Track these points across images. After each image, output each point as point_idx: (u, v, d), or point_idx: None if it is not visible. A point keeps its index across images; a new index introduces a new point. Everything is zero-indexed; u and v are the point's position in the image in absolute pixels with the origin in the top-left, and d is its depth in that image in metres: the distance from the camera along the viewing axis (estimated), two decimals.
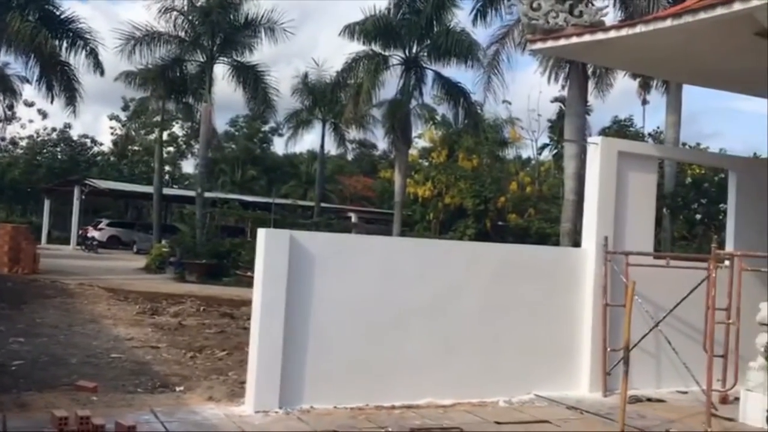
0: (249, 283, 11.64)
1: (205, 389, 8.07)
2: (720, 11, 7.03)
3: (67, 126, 54.80)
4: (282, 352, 7.21)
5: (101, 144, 59.76)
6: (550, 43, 9.04)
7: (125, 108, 55.78)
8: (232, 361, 10.16)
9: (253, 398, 7.12)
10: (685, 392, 8.98)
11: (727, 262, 8.44)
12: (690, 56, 9.26)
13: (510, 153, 43.40)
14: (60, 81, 27.30)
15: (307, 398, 7.35)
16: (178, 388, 8.24)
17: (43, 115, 54.46)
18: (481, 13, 21.87)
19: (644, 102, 33.96)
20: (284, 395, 7.20)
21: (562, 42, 8.86)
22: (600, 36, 8.50)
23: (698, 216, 21.49)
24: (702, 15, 7.20)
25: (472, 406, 7.85)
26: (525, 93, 79.44)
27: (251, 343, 7.39)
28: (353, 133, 43.38)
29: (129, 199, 53.28)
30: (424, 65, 29.06)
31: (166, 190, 43.49)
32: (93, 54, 27.72)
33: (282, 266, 7.24)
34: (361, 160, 62.54)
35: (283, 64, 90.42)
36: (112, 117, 59.23)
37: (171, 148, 56.44)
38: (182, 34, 30.60)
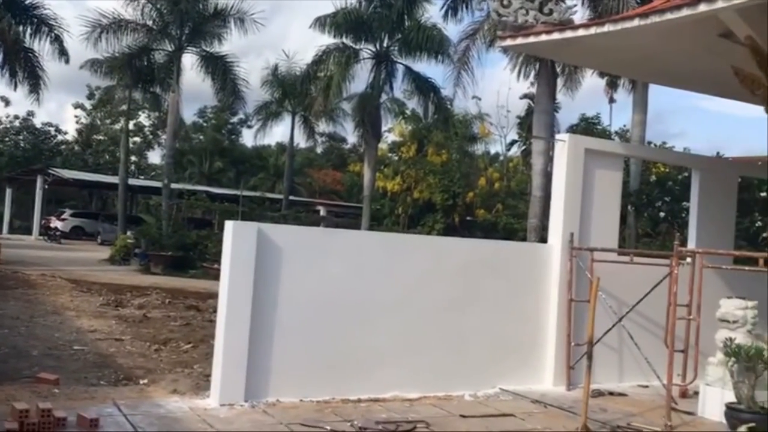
0: (215, 275, 11.56)
1: (170, 382, 8.00)
2: (686, 12, 7.15)
3: (30, 114, 53.83)
4: (248, 345, 7.17)
5: (65, 133, 58.75)
6: (519, 41, 9.12)
7: (90, 96, 54.84)
8: (197, 353, 10.08)
9: (219, 391, 7.08)
10: (647, 386, 9.14)
11: (689, 260, 8.61)
12: (657, 56, 9.40)
13: (479, 149, 43.70)
14: (23, 68, 26.78)
15: (273, 391, 7.32)
16: (142, 381, 8.15)
17: (6, 102, 53.29)
18: (452, 9, 21.97)
19: (611, 100, 34.37)
20: (250, 388, 7.17)
21: (532, 39, 8.93)
22: (569, 34, 8.59)
23: (662, 214, 21.78)
24: (668, 15, 7.31)
25: (437, 400, 7.90)
26: (494, 89, 79.73)
27: (217, 335, 7.34)
28: (323, 126, 43.39)
29: (93, 189, 52.42)
30: (395, 59, 29.10)
31: (132, 181, 42.91)
32: (58, 41, 27.25)
33: (249, 259, 7.19)
34: (331, 153, 62.39)
35: (253, 55, 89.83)
36: (77, 105, 58.21)
37: (137, 138, 55.66)
38: (150, 22, 30.20)
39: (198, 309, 14.94)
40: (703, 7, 6.97)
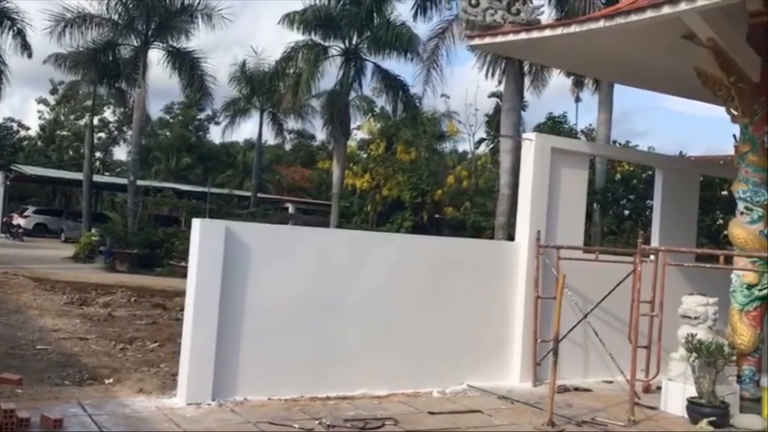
0: (183, 273, 11.45)
1: (136, 381, 7.91)
2: (649, 14, 7.27)
3: None
4: (216, 343, 7.12)
5: (28, 128, 57.65)
6: (487, 40, 9.19)
7: (54, 92, 53.81)
8: (164, 352, 9.99)
9: (186, 390, 7.02)
10: (611, 382, 9.29)
11: (652, 257, 8.77)
12: (622, 57, 9.55)
13: (447, 147, 43.87)
14: None
15: (241, 390, 7.29)
16: (107, 381, 8.06)
17: None
18: (421, 8, 22.03)
19: (577, 99, 34.70)
20: (217, 387, 7.13)
21: (500, 39, 9.01)
22: (536, 34, 8.68)
23: (627, 211, 22.11)
24: (633, 17, 7.43)
25: (406, 397, 7.94)
26: (463, 87, 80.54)
27: (184, 334, 7.28)
28: (292, 123, 43.14)
29: (57, 185, 51.52)
30: (364, 57, 29.05)
31: (97, 178, 42.25)
32: (20, 35, 26.72)
33: (217, 257, 7.15)
34: (300, 150, 62.11)
35: (222, 50, 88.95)
36: (40, 101, 57.13)
37: (102, 134, 54.83)
38: (115, 17, 29.68)
39: (164, 307, 14.79)
40: (666, 10, 7.10)
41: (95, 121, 43.21)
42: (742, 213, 8.19)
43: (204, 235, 7.18)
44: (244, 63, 37.67)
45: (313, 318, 7.77)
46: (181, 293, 9.31)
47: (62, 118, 56.25)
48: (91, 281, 19.13)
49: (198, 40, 31.49)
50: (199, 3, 29.42)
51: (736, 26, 8.05)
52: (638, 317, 7.88)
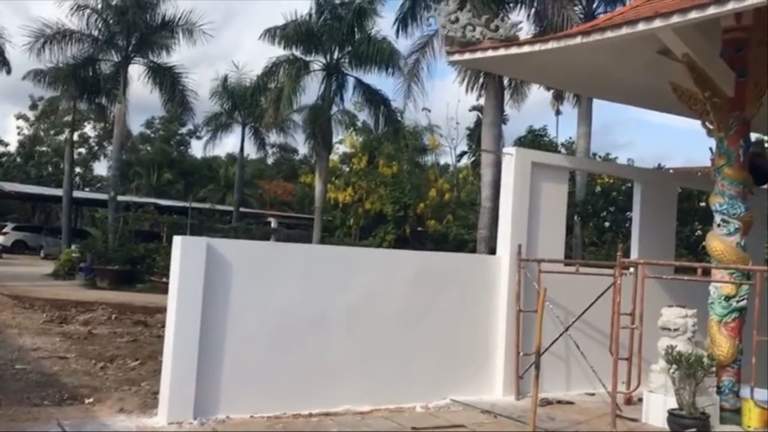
0: (164, 289, 11.37)
1: (116, 401, 7.84)
2: (625, 30, 7.38)
3: None
4: (197, 361, 7.08)
5: (7, 144, 57.14)
6: (467, 56, 9.26)
7: (33, 107, 53.47)
8: (145, 370, 9.90)
9: (167, 409, 6.97)
10: (593, 394, 9.34)
11: (632, 270, 8.85)
12: (599, 72, 9.67)
13: (429, 160, 44.01)
14: None
15: (224, 408, 7.25)
16: (87, 400, 7.96)
17: None
18: (402, 24, 22.14)
19: (557, 113, 35.04)
20: (199, 405, 7.08)
21: (479, 55, 9.08)
22: (514, 50, 8.77)
23: (607, 223, 22.33)
24: (609, 33, 7.54)
25: (389, 412, 7.93)
26: (444, 101, 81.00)
27: (165, 352, 7.23)
28: (274, 137, 43.07)
29: (36, 202, 51.03)
30: (346, 71, 29.16)
31: (77, 193, 41.89)
32: None
33: (198, 274, 7.12)
34: (282, 164, 62.05)
35: (205, 65, 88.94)
36: (20, 116, 56.66)
37: (82, 150, 54.46)
38: (96, 32, 29.59)
39: (146, 324, 14.68)
40: (641, 26, 7.21)
41: (75, 136, 42.88)
42: (719, 225, 8.30)
43: (185, 253, 7.15)
44: (225, 78, 37.67)
45: (296, 334, 7.75)
46: (163, 309, 9.25)
47: (42, 133, 55.83)
48: (71, 298, 18.92)
49: (182, 54, 31.44)
50: (179, 19, 29.44)
51: (710, 42, 8.19)
52: (619, 330, 7.94)
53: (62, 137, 49.68)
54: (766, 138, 15.42)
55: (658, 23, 7.08)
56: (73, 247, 30.31)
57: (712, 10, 6.65)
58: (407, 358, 8.48)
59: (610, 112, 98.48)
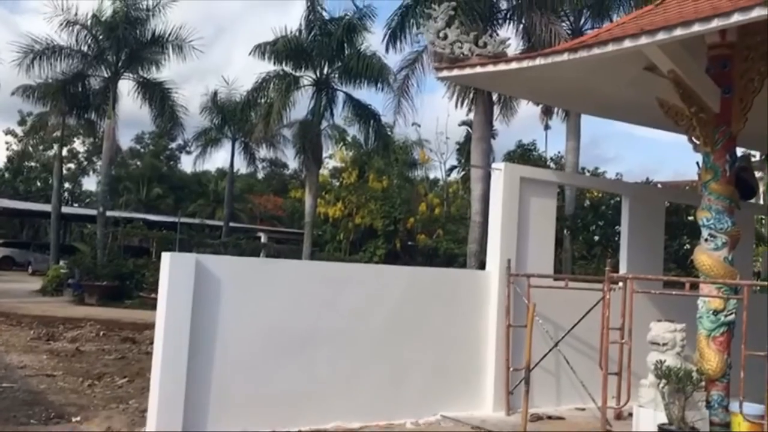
0: (153, 305, 11.30)
1: (104, 419, 7.77)
2: (612, 47, 7.45)
3: None
4: (186, 378, 7.04)
5: None
6: (455, 72, 9.31)
7: (22, 123, 53.24)
8: (133, 388, 9.82)
9: (155, 427, 6.91)
10: (583, 409, 9.33)
11: (620, 284, 8.88)
12: (586, 88, 9.75)
13: (419, 174, 44.14)
14: None
15: (212, 425, 7.20)
16: (74, 419, 7.89)
17: None
18: (392, 39, 22.25)
19: (546, 127, 35.24)
20: (188, 423, 7.02)
21: (467, 71, 9.14)
22: (502, 66, 8.83)
23: (596, 237, 22.43)
24: (596, 50, 7.60)
25: (379, 429, 7.90)
26: (434, 116, 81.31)
27: (153, 369, 7.18)
28: (264, 152, 43.06)
29: (25, 217, 50.73)
30: (335, 87, 29.22)
31: (66, 209, 41.73)
32: None
33: (187, 291, 7.09)
34: (272, 178, 62.03)
35: (195, 80, 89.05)
36: (8, 132, 56.46)
37: (71, 165, 54.27)
38: (85, 48, 29.57)
39: (134, 341, 14.57)
40: (627, 43, 7.28)
41: (64, 151, 42.75)
42: (706, 240, 8.34)
43: (174, 269, 7.13)
44: (215, 93, 37.72)
45: (286, 351, 7.72)
46: (151, 326, 9.18)
47: (30, 149, 55.63)
48: (59, 315, 18.79)
49: (172, 69, 31.55)
50: (169, 34, 29.47)
51: (696, 58, 8.28)
52: (608, 344, 7.96)
53: (51, 152, 49.53)
54: (751, 152, 15.56)
55: (644, 40, 7.15)
56: (61, 262, 30.13)
57: (696, 28, 6.73)
58: (397, 374, 8.46)
59: (599, 126, 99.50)
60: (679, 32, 6.86)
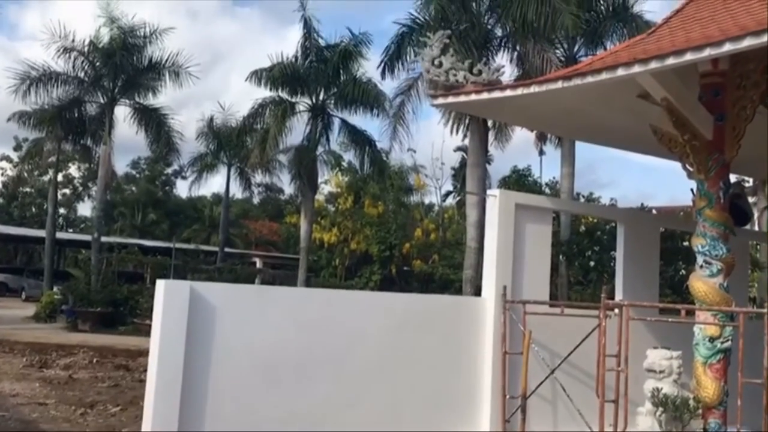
0: (147, 331, 11.26)
1: None
2: (605, 75, 7.51)
3: None
4: (180, 407, 6.95)
5: None
6: (450, 99, 9.38)
7: (18, 148, 53.28)
8: (126, 417, 9.74)
9: None
10: None
11: (616, 311, 8.86)
12: (580, 115, 9.81)
13: (415, 200, 44.19)
14: None
15: None
16: None
17: None
18: (388, 66, 22.45)
19: (541, 153, 35.40)
20: None
21: (462, 98, 9.19)
22: (497, 94, 8.87)
23: (592, 263, 22.45)
24: (590, 78, 7.66)
25: None
26: (429, 141, 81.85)
27: (147, 397, 7.10)
28: (259, 177, 43.14)
29: (19, 243, 50.55)
30: (331, 112, 29.41)
31: (60, 234, 41.60)
32: None
33: (181, 319, 7.04)
34: (267, 204, 62.02)
35: (193, 105, 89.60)
36: (3, 157, 56.49)
37: (66, 190, 54.22)
38: (82, 74, 29.74)
39: (127, 368, 14.48)
40: (621, 72, 7.34)
41: (60, 177, 42.76)
42: (701, 266, 8.35)
43: (168, 297, 7.08)
44: (211, 119, 37.89)
45: (280, 378, 7.65)
46: (145, 353, 9.13)
47: (26, 174, 55.60)
48: (52, 342, 18.67)
49: (169, 95, 31.74)
50: (166, 61, 29.68)
51: (688, 86, 8.35)
52: (604, 372, 7.92)
53: (46, 178, 49.50)
54: (744, 178, 15.66)
55: (637, 69, 7.21)
56: (55, 289, 30.00)
57: (689, 57, 6.79)
58: (392, 401, 8.38)
59: (594, 151, 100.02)
60: (671, 61, 6.92)
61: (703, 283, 8.27)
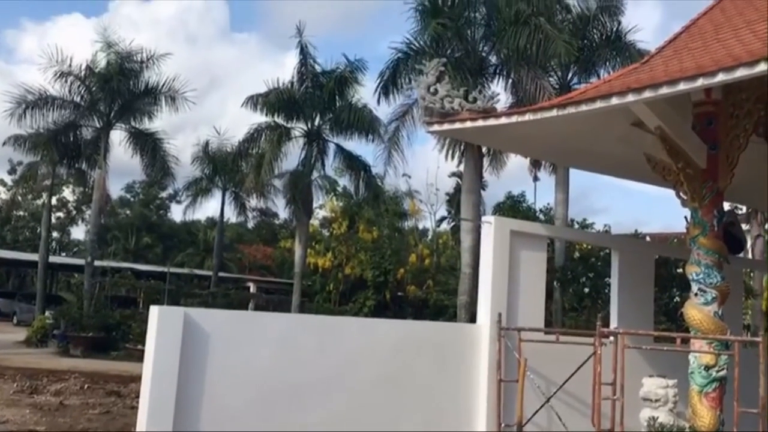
0: (139, 356, 11.16)
1: None
2: (599, 104, 7.57)
3: None
4: None
5: None
6: (446, 126, 9.42)
7: (12, 172, 53.25)
8: None
9: None
10: None
11: (612, 339, 8.84)
12: (574, 143, 9.87)
13: (409, 225, 44.20)
14: None
15: None
16: None
17: None
18: (383, 91, 22.59)
19: (535, 179, 35.51)
20: None
21: (457, 125, 9.24)
22: (492, 121, 8.93)
23: (586, 289, 22.45)
24: (584, 107, 7.72)
25: None
26: (424, 166, 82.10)
27: (138, 426, 7.02)
28: (254, 202, 43.08)
29: (11, 267, 50.25)
30: (327, 138, 29.48)
31: (53, 258, 41.35)
32: None
33: (175, 345, 6.99)
34: (262, 228, 61.89)
35: (189, 129, 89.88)
36: None
37: (60, 214, 54.06)
38: (78, 99, 29.80)
39: (119, 395, 14.33)
40: (615, 100, 7.40)
41: (53, 200, 42.65)
42: (696, 294, 8.35)
43: (162, 323, 7.03)
44: (207, 143, 37.93)
45: (274, 405, 7.58)
46: (137, 379, 9.04)
47: (19, 198, 55.44)
48: (43, 367, 18.48)
49: (165, 119, 31.73)
50: (163, 86, 29.79)
51: (682, 115, 8.43)
52: (600, 400, 7.88)
53: (40, 201, 49.37)
54: (738, 206, 15.73)
55: (630, 98, 7.27)
56: (47, 313, 29.77)
57: (682, 86, 6.86)
58: (387, 429, 8.30)
59: (588, 177, 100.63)
60: (665, 90, 6.99)
61: (697, 311, 8.27)
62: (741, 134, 8.28)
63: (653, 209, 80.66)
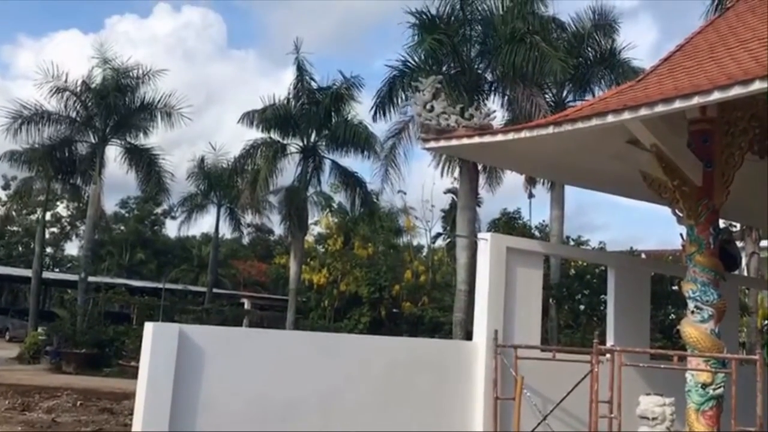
0: (133, 373, 11.08)
1: None
2: (595, 122, 7.59)
3: None
4: None
5: None
6: (442, 143, 9.43)
7: (6, 187, 53.05)
8: None
9: None
10: None
11: (608, 356, 8.81)
12: (570, 160, 9.89)
13: (405, 241, 44.13)
14: None
15: None
16: None
17: None
18: (380, 109, 22.62)
19: (530, 196, 35.50)
20: None
21: (454, 142, 9.25)
22: (488, 138, 8.96)
23: (582, 306, 22.42)
24: (579, 125, 7.74)
25: None
26: (420, 183, 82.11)
27: None
28: (249, 218, 42.99)
29: (4, 282, 49.97)
30: (322, 154, 29.50)
31: (47, 274, 41.12)
32: None
33: (169, 362, 6.93)
34: (257, 244, 61.74)
35: (186, 145, 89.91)
36: None
37: (54, 229, 53.87)
38: (74, 114, 29.81)
39: (112, 412, 14.20)
40: (611, 118, 7.43)
41: (48, 215, 42.51)
42: (692, 312, 8.34)
43: (156, 340, 6.98)
44: (202, 159, 37.95)
45: (269, 422, 7.51)
46: (130, 395, 8.96)
47: (13, 213, 55.25)
48: (35, 384, 18.33)
49: (158, 136, 31.80)
50: (158, 102, 29.83)
51: (677, 132, 8.45)
52: (597, 418, 7.83)
53: (34, 217, 49.23)
54: (732, 223, 15.77)
55: (626, 115, 7.29)
56: (39, 329, 29.56)
57: (678, 104, 6.88)
58: None
59: (584, 194, 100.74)
60: (660, 108, 7.01)
61: (694, 328, 8.26)
62: (736, 152, 8.31)
63: (649, 226, 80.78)
